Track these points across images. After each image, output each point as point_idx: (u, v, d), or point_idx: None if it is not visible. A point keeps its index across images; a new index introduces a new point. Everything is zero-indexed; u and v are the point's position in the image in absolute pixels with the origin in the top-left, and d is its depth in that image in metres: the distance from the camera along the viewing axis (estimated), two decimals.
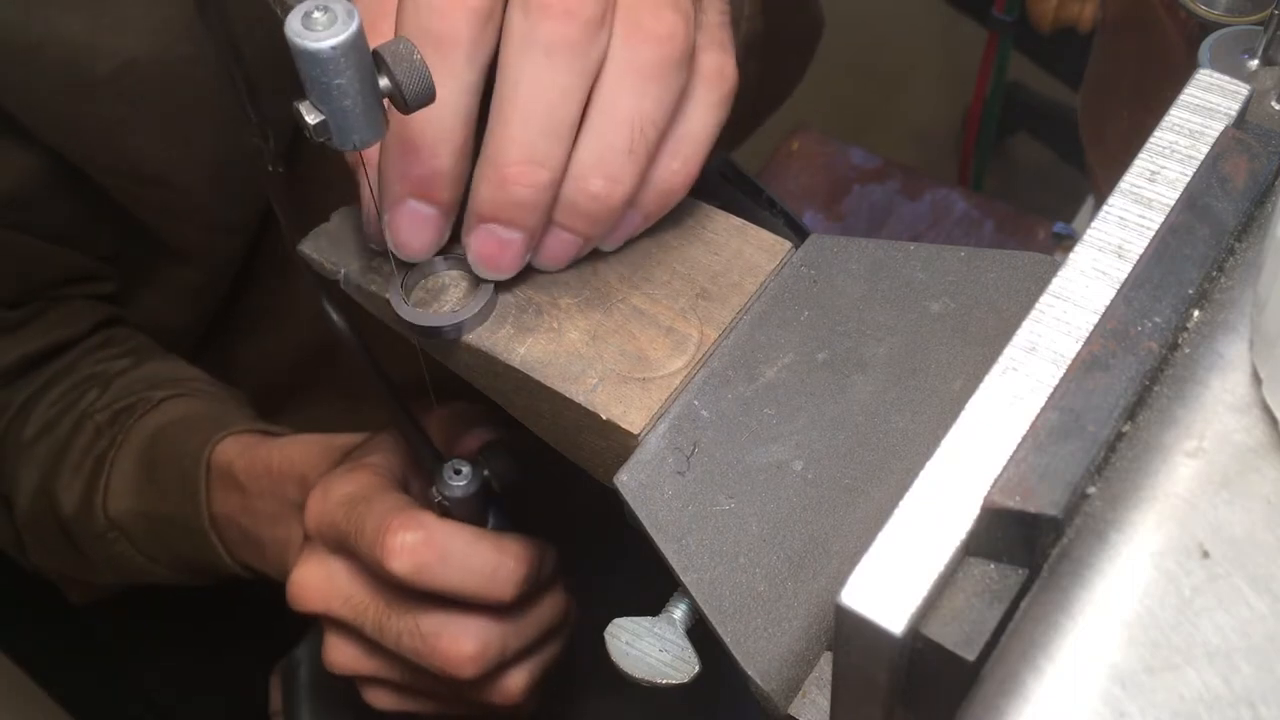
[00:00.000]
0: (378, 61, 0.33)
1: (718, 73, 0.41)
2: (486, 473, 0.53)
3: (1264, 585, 0.26)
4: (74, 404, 0.71)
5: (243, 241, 0.72)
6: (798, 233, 0.53)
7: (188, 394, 0.71)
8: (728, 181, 0.50)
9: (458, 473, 0.51)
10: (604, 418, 0.39)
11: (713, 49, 0.42)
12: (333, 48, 0.31)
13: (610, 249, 0.43)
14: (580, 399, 0.40)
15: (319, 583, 0.54)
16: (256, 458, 0.64)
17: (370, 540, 0.50)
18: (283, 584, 0.57)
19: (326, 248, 0.45)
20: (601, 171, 0.38)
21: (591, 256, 0.43)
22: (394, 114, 0.35)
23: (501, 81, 0.38)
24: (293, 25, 0.31)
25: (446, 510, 0.52)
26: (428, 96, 0.34)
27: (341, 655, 0.56)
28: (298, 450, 0.63)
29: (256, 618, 0.74)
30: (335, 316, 0.46)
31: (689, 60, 0.39)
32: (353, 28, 0.31)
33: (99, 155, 0.64)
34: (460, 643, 0.52)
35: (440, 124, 0.38)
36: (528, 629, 0.55)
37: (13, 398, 0.71)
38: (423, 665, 0.53)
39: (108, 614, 0.88)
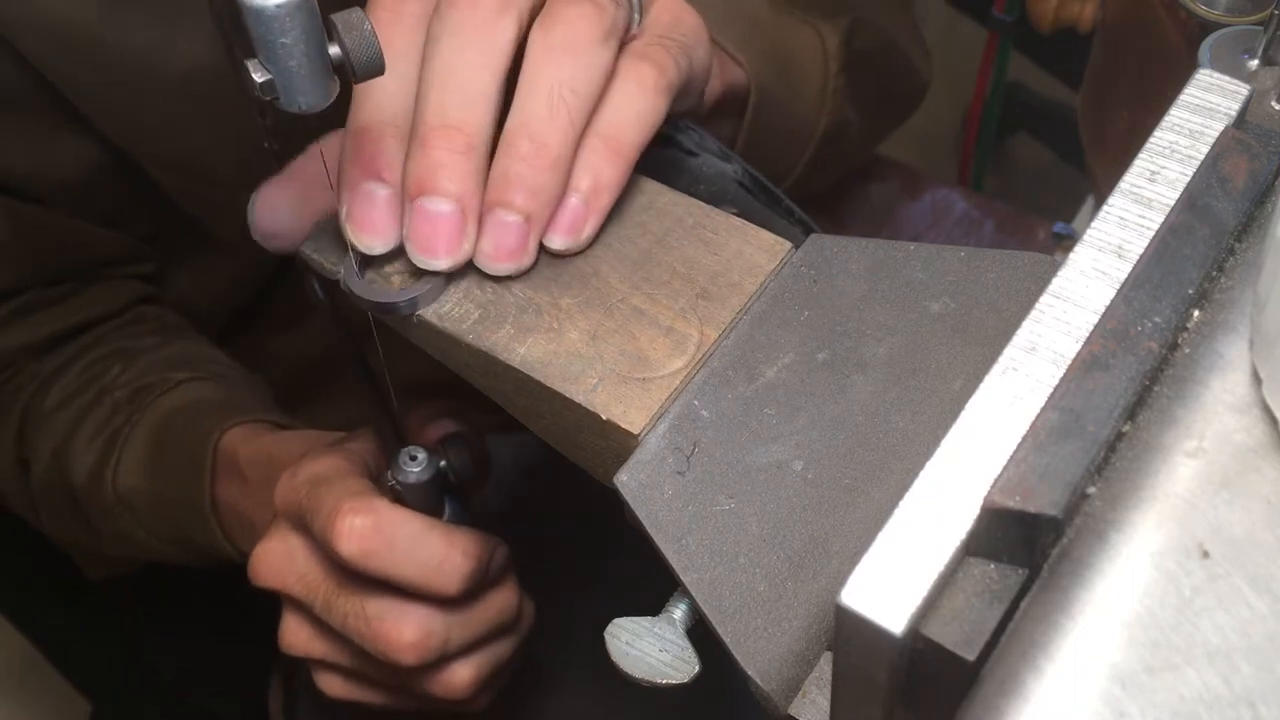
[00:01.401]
0: (329, 28, 0.34)
1: (648, 59, 0.44)
2: (443, 463, 0.53)
3: (1264, 585, 0.26)
4: (97, 377, 0.72)
5: None
6: None
7: (207, 377, 0.72)
8: (745, 190, 0.50)
9: (413, 459, 0.52)
10: (604, 418, 0.39)
11: (654, 47, 0.45)
12: (278, 5, 0.32)
13: (563, 245, 0.43)
14: (580, 399, 0.40)
15: (278, 559, 0.54)
16: (260, 446, 0.65)
17: (323, 521, 0.51)
18: None
19: (327, 248, 0.45)
20: (525, 134, 0.41)
21: (591, 257, 0.43)
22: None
23: (423, 64, 0.41)
24: None
25: (400, 497, 0.52)
26: (377, 67, 0.35)
27: (295, 636, 0.56)
28: (299, 442, 0.63)
29: (259, 616, 0.75)
30: (319, 292, 0.47)
31: (608, 41, 0.42)
32: None
33: (156, 150, 0.66)
34: (402, 628, 0.52)
35: (382, 109, 0.42)
36: (474, 623, 0.55)
37: (43, 367, 0.73)
38: (366, 649, 0.53)
39: (123, 595, 0.89)
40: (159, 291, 0.77)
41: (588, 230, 0.43)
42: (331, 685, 0.58)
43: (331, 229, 0.45)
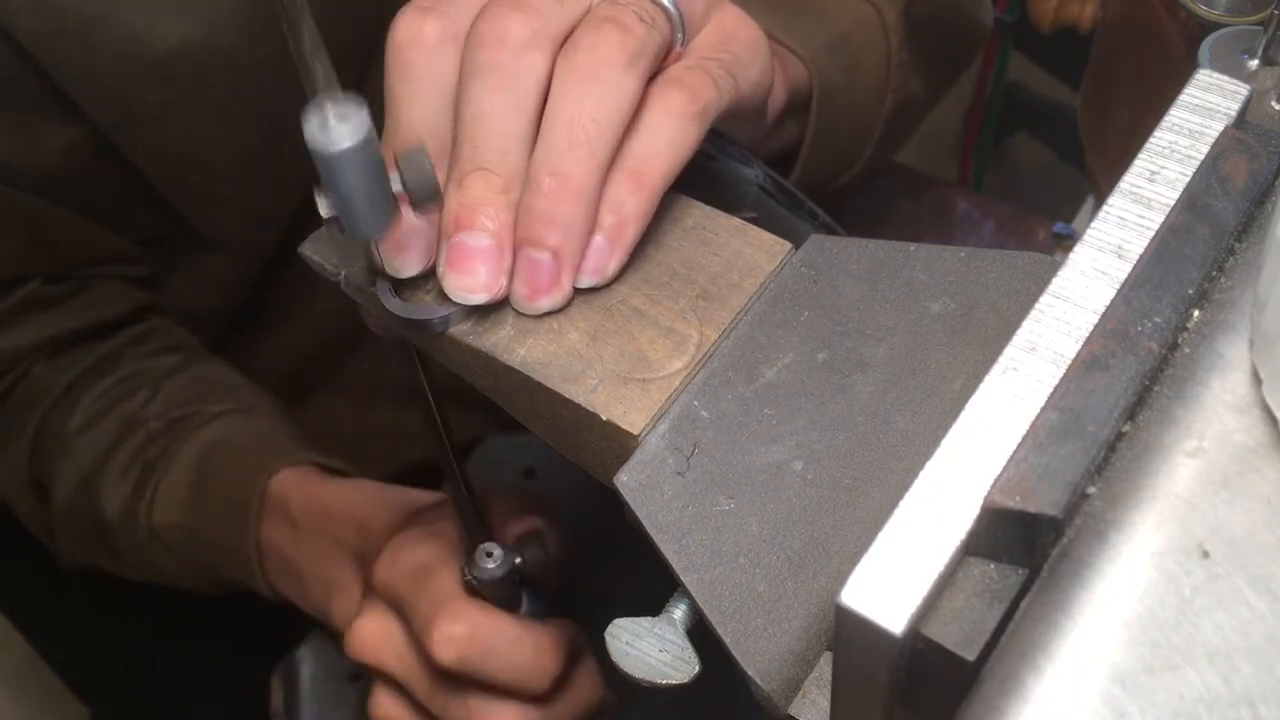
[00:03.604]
0: (391, 163, 0.36)
1: (681, 84, 0.42)
2: (519, 560, 0.56)
3: (1264, 585, 0.26)
4: (120, 400, 0.72)
5: (274, 233, 0.72)
6: None
7: (241, 409, 0.72)
8: (765, 193, 0.50)
9: (488, 555, 0.54)
10: (604, 418, 0.39)
11: (693, 70, 0.43)
12: (342, 153, 0.34)
13: (590, 284, 0.42)
14: (580, 399, 0.40)
15: (378, 638, 0.57)
16: (313, 494, 0.66)
17: (421, 624, 0.54)
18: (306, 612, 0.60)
19: (328, 250, 0.45)
20: (547, 169, 0.40)
21: None
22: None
23: (457, 105, 0.41)
24: (310, 125, 0.33)
25: (475, 590, 0.55)
26: (436, 200, 0.38)
27: (388, 708, 0.59)
28: (360, 496, 0.65)
29: (259, 618, 0.75)
30: (419, 370, 0.48)
31: (633, 66, 0.41)
32: (363, 134, 0.33)
33: (145, 137, 0.66)
34: None
35: (411, 139, 0.42)
36: (563, 712, 0.58)
37: (55, 378, 0.72)
38: None
39: (115, 595, 0.89)
40: (158, 300, 0.76)
41: (613, 267, 0.42)
42: None
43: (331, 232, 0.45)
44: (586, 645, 0.60)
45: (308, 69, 0.32)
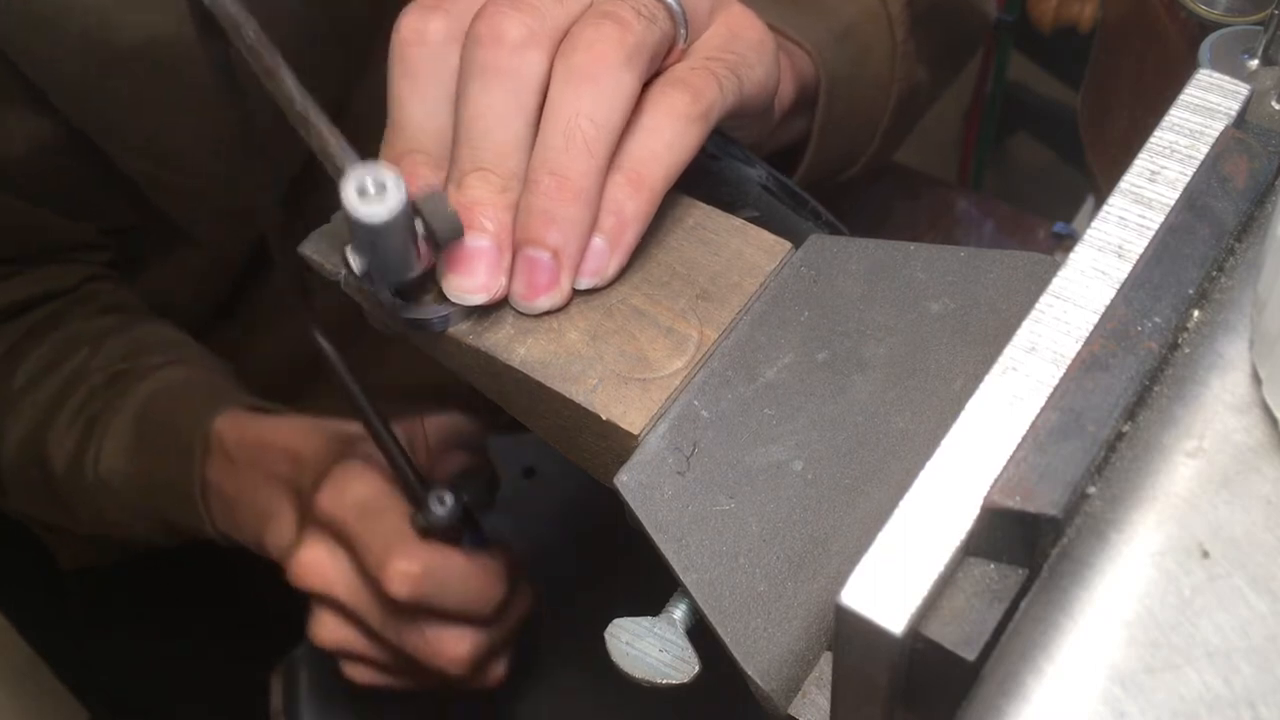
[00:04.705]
0: (416, 210, 0.37)
1: (683, 85, 0.42)
2: (466, 499, 0.58)
3: (1264, 585, 0.26)
4: (64, 359, 0.72)
5: (252, 231, 0.72)
6: None
7: (182, 361, 0.73)
8: (768, 192, 0.50)
9: (440, 502, 0.56)
10: (604, 418, 0.39)
11: (696, 70, 0.43)
12: (385, 221, 0.35)
13: (589, 285, 0.42)
14: (580, 399, 0.40)
15: (325, 566, 0.58)
16: (249, 431, 0.67)
17: (375, 561, 0.56)
18: (270, 566, 0.62)
19: (327, 249, 0.45)
20: (546, 169, 0.40)
21: None
22: None
23: (456, 105, 0.41)
24: (348, 195, 0.35)
25: (426, 531, 0.57)
26: (458, 237, 0.38)
27: (334, 633, 0.60)
28: (291, 427, 0.66)
29: (259, 618, 0.75)
30: (319, 336, 0.49)
31: (632, 63, 0.40)
32: (402, 199, 0.35)
33: (116, 130, 0.65)
34: (458, 647, 0.59)
35: (412, 139, 0.42)
36: (507, 628, 0.62)
37: None
38: (419, 660, 0.59)
39: (115, 595, 0.90)
40: (112, 273, 0.76)
41: (612, 269, 0.42)
42: (361, 675, 0.63)
43: (331, 232, 0.45)
44: (519, 565, 0.63)
45: (325, 150, 0.35)
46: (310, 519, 0.59)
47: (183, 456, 0.67)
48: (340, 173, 0.35)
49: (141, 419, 0.70)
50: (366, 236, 0.36)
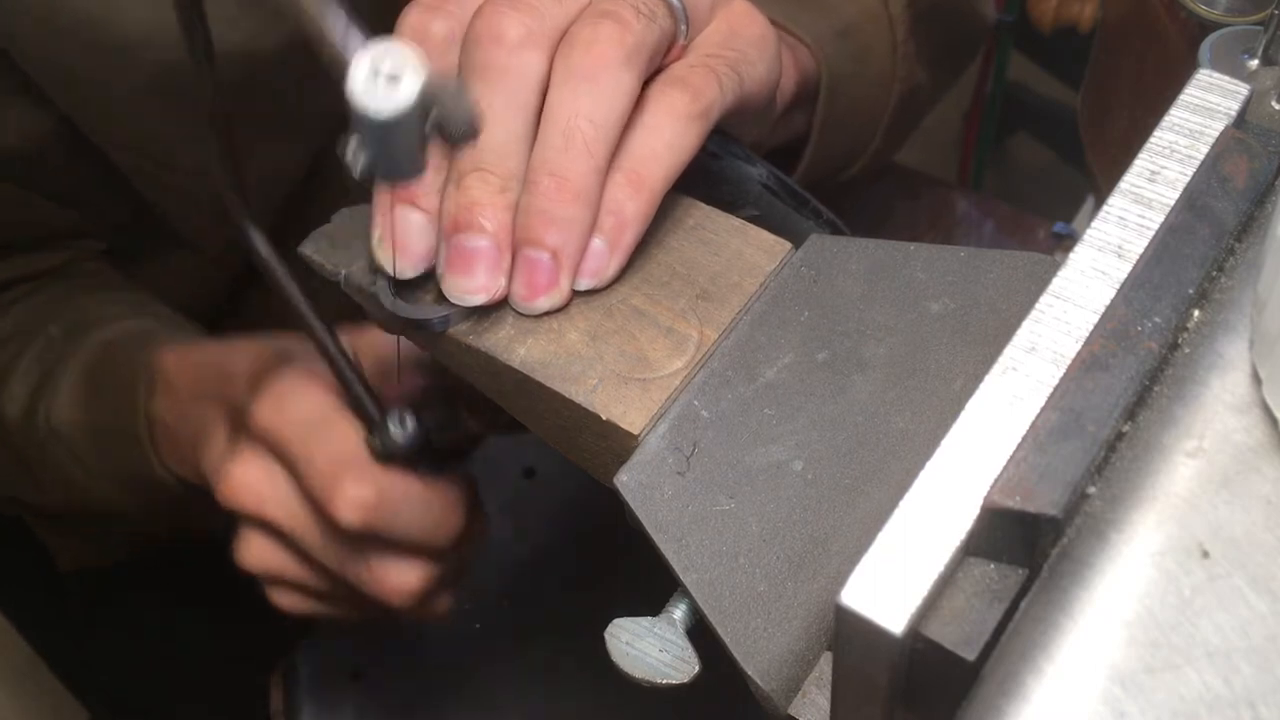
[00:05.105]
0: (429, 99, 0.32)
1: (683, 84, 0.42)
2: (429, 428, 0.51)
3: (1264, 585, 0.26)
4: (31, 324, 0.71)
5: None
6: None
7: (142, 314, 0.71)
8: (769, 192, 0.50)
9: (402, 423, 0.50)
10: (604, 418, 0.39)
11: (696, 69, 0.43)
12: (397, 116, 0.30)
13: (588, 286, 0.42)
14: (580, 399, 0.40)
15: (259, 484, 0.53)
16: (186, 355, 0.63)
17: (321, 482, 0.50)
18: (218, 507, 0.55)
19: (327, 249, 0.45)
20: (545, 170, 0.40)
21: None
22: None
23: None
24: (356, 83, 0.30)
25: (382, 456, 0.51)
26: (474, 138, 0.34)
27: (264, 557, 0.55)
28: (222, 345, 0.62)
29: (259, 618, 0.75)
30: (251, 227, 0.45)
31: (631, 62, 0.40)
32: (419, 89, 0.30)
33: (111, 129, 0.65)
34: (407, 579, 0.53)
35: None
36: (460, 561, 0.57)
37: None
38: (362, 590, 0.53)
39: (115, 595, 0.89)
40: (102, 258, 0.75)
41: (612, 270, 0.42)
42: (290, 602, 0.57)
43: (331, 232, 0.45)
44: (475, 494, 0.57)
45: (322, 36, 0.30)
46: (245, 434, 0.54)
47: (127, 393, 0.64)
48: (344, 61, 0.31)
49: (93, 366, 0.67)
50: (374, 131, 0.31)
